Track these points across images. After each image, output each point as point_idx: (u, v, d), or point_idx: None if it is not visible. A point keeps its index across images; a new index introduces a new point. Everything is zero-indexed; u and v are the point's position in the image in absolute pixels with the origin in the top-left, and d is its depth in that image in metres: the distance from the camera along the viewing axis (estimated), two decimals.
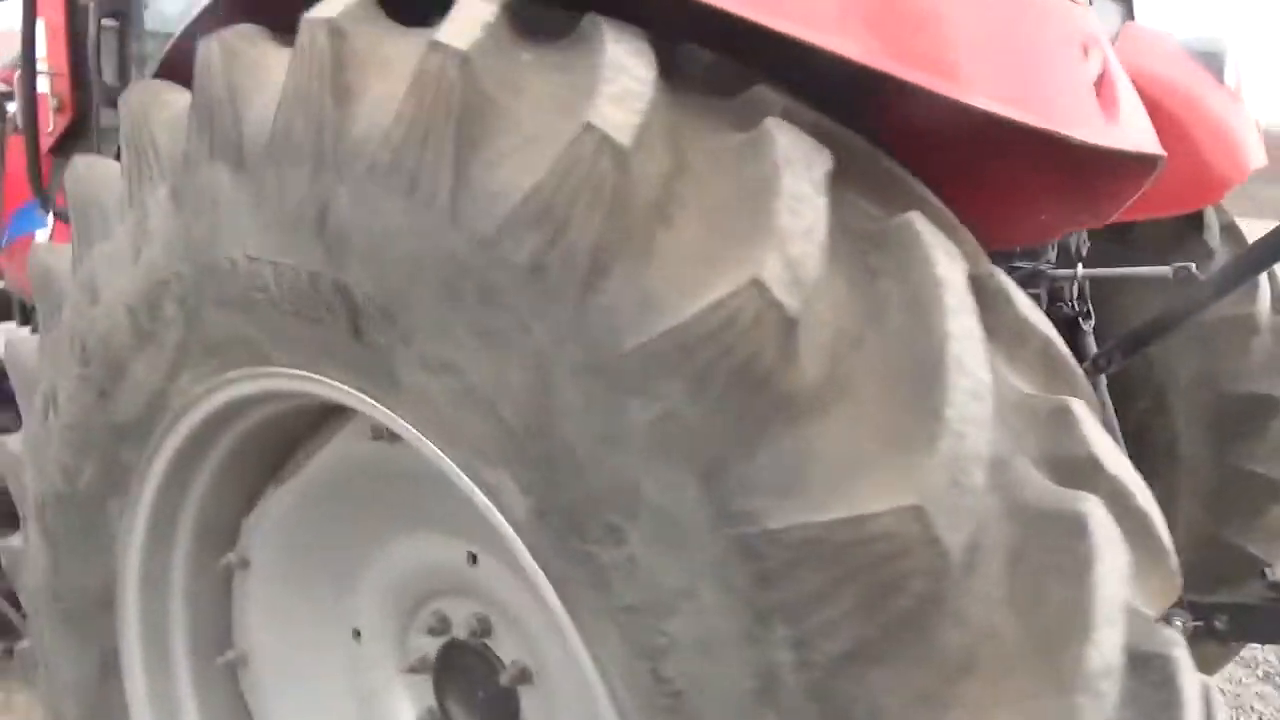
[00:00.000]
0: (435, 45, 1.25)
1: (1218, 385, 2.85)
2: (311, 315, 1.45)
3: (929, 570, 0.99)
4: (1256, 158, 2.71)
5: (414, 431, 1.40)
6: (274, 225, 1.45)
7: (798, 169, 1.15)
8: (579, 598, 1.23)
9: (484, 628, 1.86)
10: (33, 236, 3.19)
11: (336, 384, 1.50)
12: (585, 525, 1.18)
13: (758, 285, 1.03)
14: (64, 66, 3.25)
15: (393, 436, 1.71)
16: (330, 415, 1.88)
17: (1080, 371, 1.35)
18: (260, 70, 1.51)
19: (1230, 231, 3.03)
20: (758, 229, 1.09)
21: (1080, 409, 1.20)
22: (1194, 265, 2.26)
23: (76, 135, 3.32)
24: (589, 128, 1.13)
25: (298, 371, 1.55)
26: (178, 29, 2.85)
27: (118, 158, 2.99)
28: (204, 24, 1.77)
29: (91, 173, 1.81)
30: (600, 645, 1.22)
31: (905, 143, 1.37)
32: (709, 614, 1.09)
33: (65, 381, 1.90)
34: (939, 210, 1.31)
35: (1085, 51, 1.36)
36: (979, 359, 1.09)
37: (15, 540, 2.24)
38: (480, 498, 1.34)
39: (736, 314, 1.04)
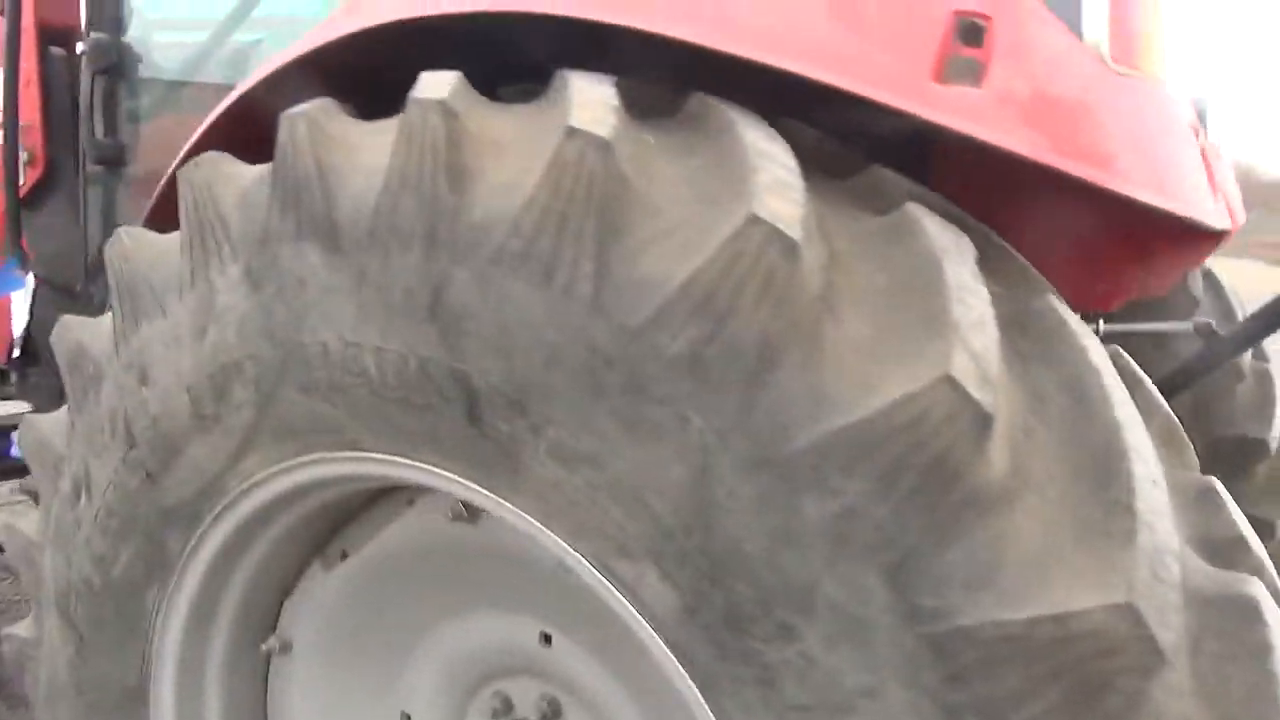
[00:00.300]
0: (573, 132, 1.23)
1: (1210, 430, 2.95)
2: (419, 401, 1.40)
3: (1139, 667, 0.99)
4: (1240, 213, 2.83)
5: (530, 520, 1.36)
6: (377, 309, 1.40)
7: (953, 258, 1.16)
8: (734, 695, 1.20)
9: (554, 710, 1.81)
10: (9, 300, 3.03)
11: (436, 470, 1.45)
12: (751, 622, 1.16)
13: (949, 382, 1.03)
14: (35, 118, 3.12)
15: (473, 517, 1.67)
16: (388, 495, 1.82)
17: (1189, 442, 1.38)
18: (350, 149, 1.46)
19: (1209, 278, 3.15)
20: (934, 322, 1.09)
21: (1220, 486, 1.23)
22: (1213, 321, 2.35)
23: (48, 189, 3.19)
24: (755, 219, 1.12)
25: (388, 457, 1.50)
26: (172, 76, 2.79)
27: (105, 221, 2.91)
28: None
29: (140, 248, 1.73)
30: None
31: (992, 210, 1.39)
32: (894, 713, 1.08)
33: (103, 464, 1.80)
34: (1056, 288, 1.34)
35: (1196, 133, 1.41)
36: (1149, 446, 1.11)
37: (20, 629, 2.11)
38: (611, 591, 1.30)
39: (927, 410, 1.04)
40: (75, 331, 1.87)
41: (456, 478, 1.43)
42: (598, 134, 1.22)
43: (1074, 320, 1.22)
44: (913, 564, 1.06)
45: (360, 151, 1.46)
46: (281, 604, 1.97)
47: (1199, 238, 1.50)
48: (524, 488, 1.34)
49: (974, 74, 1.21)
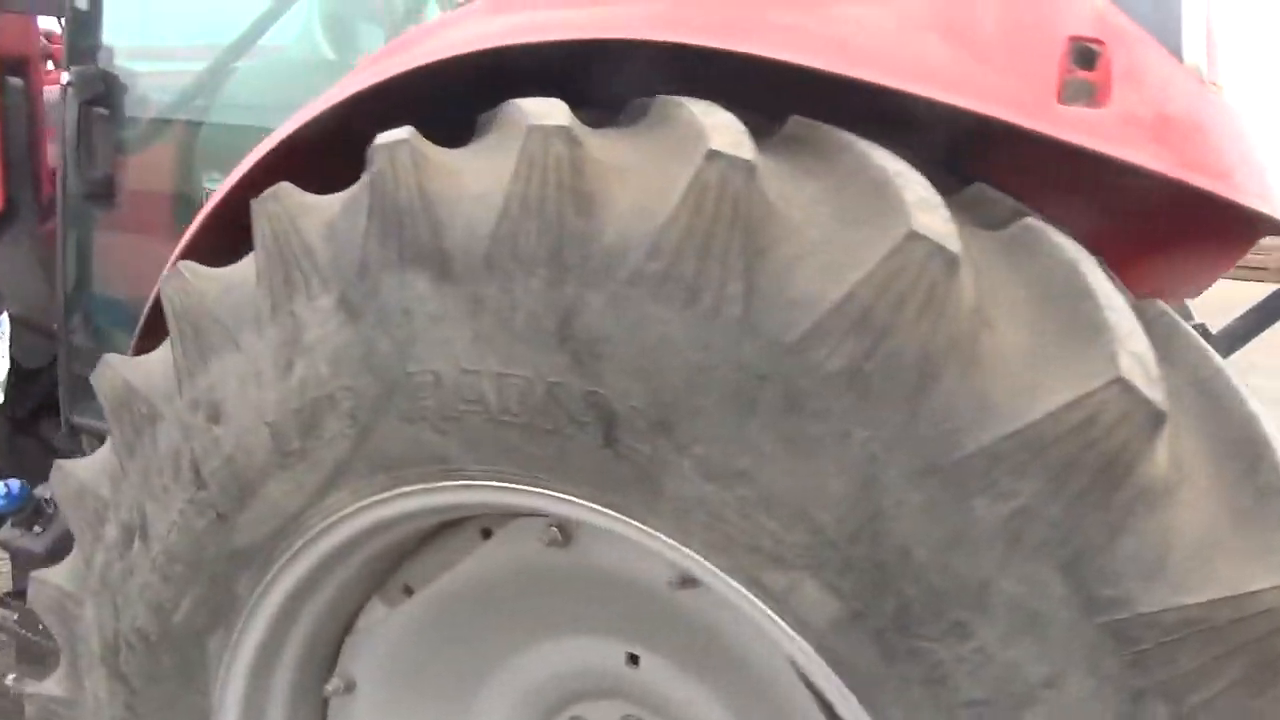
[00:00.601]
0: (715, 154, 1.26)
1: None
2: (545, 426, 1.40)
3: None
4: None
5: (662, 538, 1.38)
6: (497, 335, 1.40)
7: (1088, 266, 1.24)
8: (899, 695, 1.24)
9: None
10: None
11: (553, 493, 1.45)
12: (921, 624, 1.20)
13: (1121, 384, 1.10)
14: None
15: (566, 541, 1.67)
16: (456, 526, 1.80)
17: None
18: (452, 176, 1.46)
19: None
20: (1090, 328, 1.16)
21: None
22: (1207, 324, 2.51)
23: (7, 225, 3.06)
24: (914, 236, 1.17)
25: (497, 484, 1.49)
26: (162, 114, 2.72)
27: (82, 257, 2.80)
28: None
29: (203, 282, 1.68)
30: None
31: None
32: (1078, 700, 1.14)
33: (164, 508, 1.74)
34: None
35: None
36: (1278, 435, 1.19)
37: (53, 686, 2.01)
38: (753, 603, 1.33)
39: (1099, 412, 1.10)
40: (121, 370, 1.80)
41: (576, 500, 1.44)
42: (742, 156, 1.25)
43: (1184, 323, 1.30)
44: (1088, 557, 1.12)
45: (463, 178, 1.46)
46: (341, 641, 1.93)
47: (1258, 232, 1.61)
48: (660, 507, 1.36)
49: (1090, 95, 1.29)
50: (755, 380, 1.25)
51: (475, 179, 1.44)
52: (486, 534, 1.79)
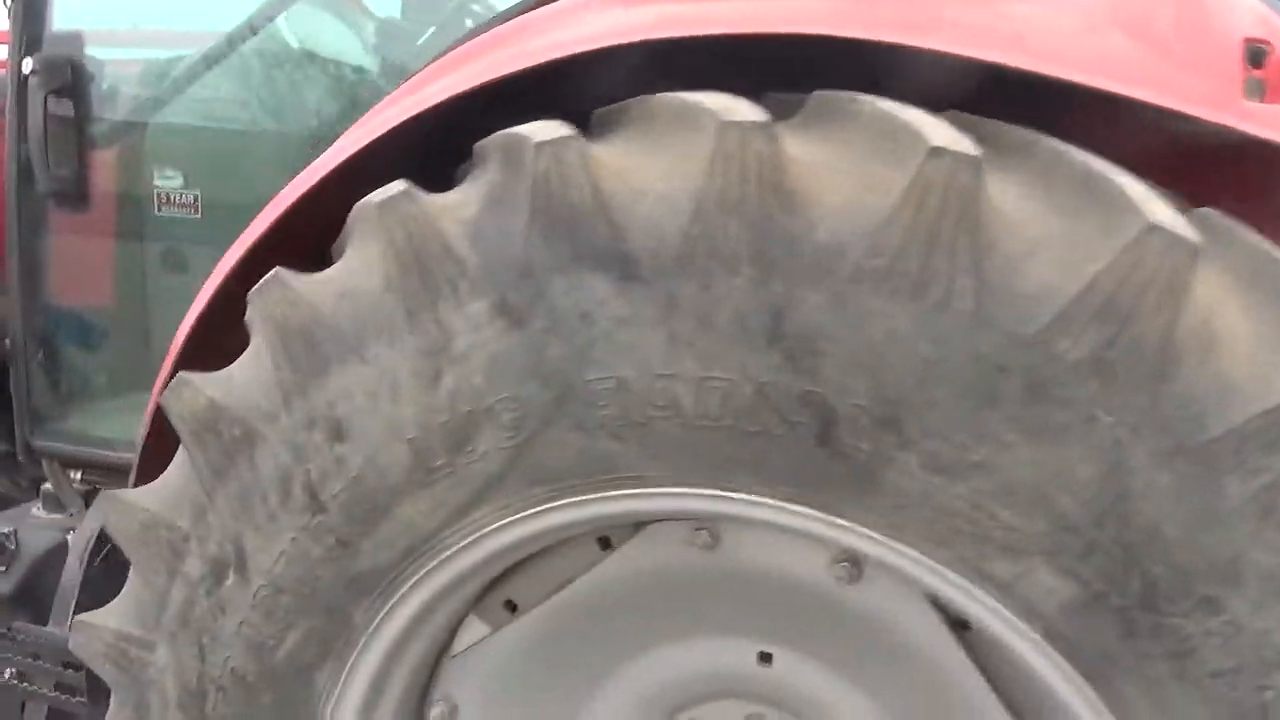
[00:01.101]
0: (939, 151, 1.26)
1: None
2: (749, 428, 1.37)
3: None
4: None
5: (871, 534, 1.37)
6: (695, 338, 1.36)
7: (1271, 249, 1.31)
8: (1137, 673, 1.28)
9: None
10: None
11: (744, 496, 1.42)
12: (1169, 601, 1.24)
13: None
14: None
15: (715, 542, 1.64)
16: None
17: None
18: (621, 174, 1.40)
19: None
20: None
21: None
22: None
23: None
24: (1153, 228, 1.21)
25: (677, 489, 1.45)
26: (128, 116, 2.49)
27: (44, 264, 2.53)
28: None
29: (311, 290, 1.55)
30: (1159, 714, 1.28)
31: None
32: None
33: (268, 537, 1.60)
34: None
35: None
36: None
37: None
38: (972, 593, 1.34)
39: None
40: (203, 388, 1.63)
41: (769, 501, 1.42)
42: (968, 152, 1.26)
43: None
44: None
45: (636, 176, 1.40)
46: (436, 663, 1.83)
47: None
48: (874, 503, 1.35)
49: (1263, 92, 1.36)
50: (994, 372, 1.26)
51: (654, 177, 1.39)
52: (605, 544, 1.74)
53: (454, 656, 1.82)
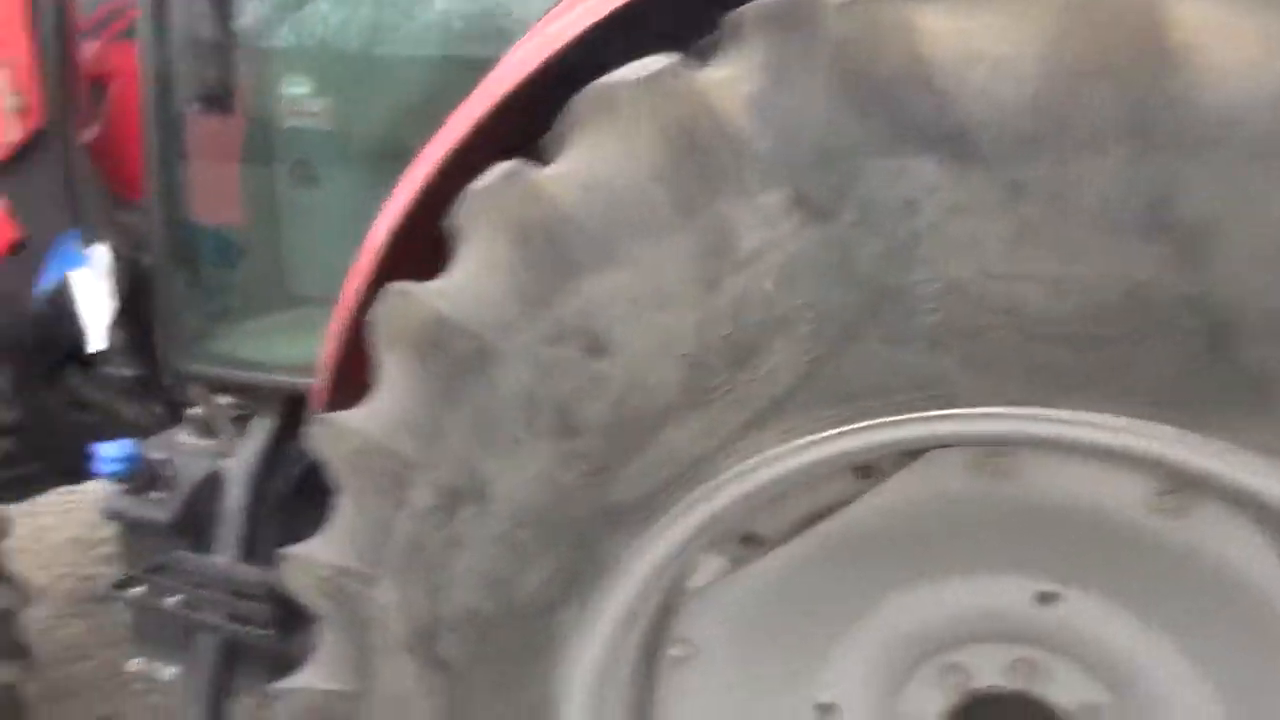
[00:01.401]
0: None
1: None
2: (1111, 335, 1.16)
3: None
4: None
5: (1255, 458, 1.17)
6: (1052, 229, 1.15)
7: None
8: None
9: (1030, 673, 1.63)
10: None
11: (1078, 415, 1.22)
12: None
13: None
14: (22, 52, 2.51)
15: (1011, 472, 1.45)
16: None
17: None
18: (940, 38, 1.18)
19: None
20: None
21: None
22: None
23: (40, 148, 2.58)
24: None
25: (997, 410, 1.25)
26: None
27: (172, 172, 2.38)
28: None
29: (558, 181, 1.35)
30: None
31: None
32: None
33: (513, 464, 1.43)
34: None
35: None
36: None
37: (322, 679, 1.69)
38: None
39: None
40: (425, 299, 1.45)
41: (1113, 422, 1.22)
42: None
43: None
44: None
45: (964, 39, 1.18)
46: (670, 602, 1.67)
47: None
48: (1264, 423, 1.15)
49: None
50: None
51: (982, 40, 1.17)
52: (864, 472, 1.56)
53: (693, 594, 1.66)
